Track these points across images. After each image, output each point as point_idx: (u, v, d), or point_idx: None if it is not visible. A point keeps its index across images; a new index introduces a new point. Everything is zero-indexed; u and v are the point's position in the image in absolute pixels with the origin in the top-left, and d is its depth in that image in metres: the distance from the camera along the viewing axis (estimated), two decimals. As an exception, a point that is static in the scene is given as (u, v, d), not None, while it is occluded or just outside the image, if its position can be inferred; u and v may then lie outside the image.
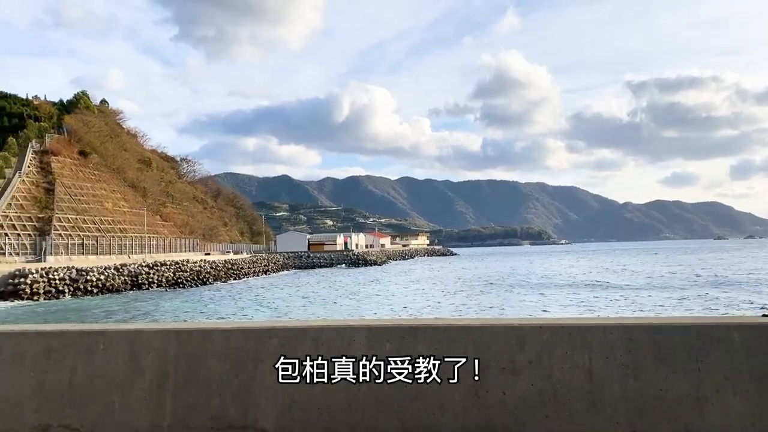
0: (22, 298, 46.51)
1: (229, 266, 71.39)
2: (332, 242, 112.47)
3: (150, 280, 56.95)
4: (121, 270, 56.41)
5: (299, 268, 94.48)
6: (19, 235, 61.98)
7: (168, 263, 62.46)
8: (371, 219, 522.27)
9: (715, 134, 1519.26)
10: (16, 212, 64.75)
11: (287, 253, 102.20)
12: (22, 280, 47.95)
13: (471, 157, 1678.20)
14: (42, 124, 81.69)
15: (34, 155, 75.08)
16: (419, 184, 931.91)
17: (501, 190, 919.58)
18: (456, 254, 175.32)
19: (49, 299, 47.81)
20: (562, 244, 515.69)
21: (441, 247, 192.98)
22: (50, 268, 51.64)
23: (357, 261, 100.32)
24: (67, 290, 50.08)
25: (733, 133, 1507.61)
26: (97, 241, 67.24)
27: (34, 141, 76.95)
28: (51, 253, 61.23)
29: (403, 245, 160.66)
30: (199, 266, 65.59)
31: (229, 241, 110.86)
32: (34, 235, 63.26)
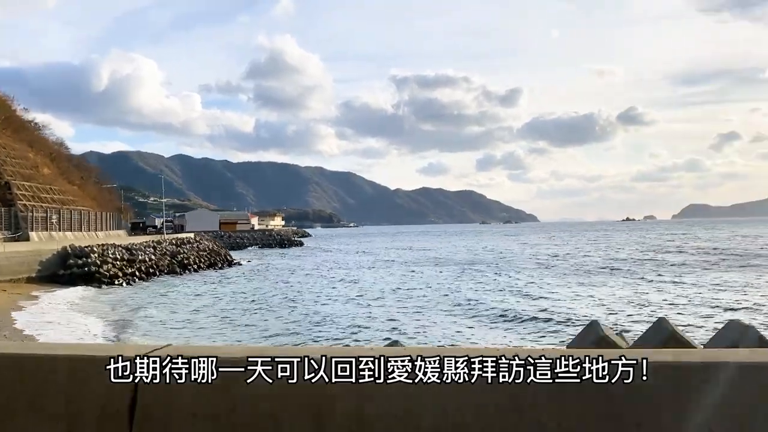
0: (101, 284, 37.11)
1: (218, 244, 63.63)
2: (245, 221, 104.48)
3: (189, 260, 48.74)
4: (159, 249, 47.47)
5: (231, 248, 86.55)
6: (-22, 205, 48.29)
7: (186, 241, 54.01)
8: (152, 198, 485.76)
9: (464, 130, 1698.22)
10: (-37, 176, 50.12)
11: (203, 232, 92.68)
12: (86, 260, 38.23)
13: (243, 137, 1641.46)
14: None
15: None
16: (196, 163, 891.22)
17: (281, 172, 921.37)
18: (311, 235, 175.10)
19: (128, 284, 38.89)
20: (351, 226, 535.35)
21: (297, 228, 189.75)
22: (104, 245, 41.73)
23: (282, 242, 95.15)
24: (137, 273, 41.08)
25: (479, 129, 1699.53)
26: (71, 215, 54.96)
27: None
28: (32, 229, 49.00)
29: (266, 226, 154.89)
30: (209, 245, 57.66)
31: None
32: (-7, 205, 49.74)
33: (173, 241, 51.82)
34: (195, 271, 47.73)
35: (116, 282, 38.07)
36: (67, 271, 37.64)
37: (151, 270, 42.91)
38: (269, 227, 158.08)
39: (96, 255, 39.18)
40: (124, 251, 42.69)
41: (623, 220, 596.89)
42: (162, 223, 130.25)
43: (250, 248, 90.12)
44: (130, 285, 38.76)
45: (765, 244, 74.44)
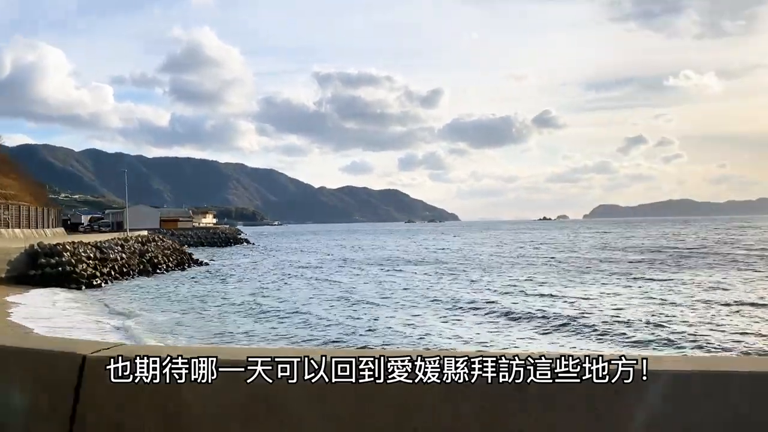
0: (80, 285, 34.24)
1: (176, 243, 60.50)
2: (187, 219, 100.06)
3: (158, 260, 45.91)
4: (127, 247, 44.40)
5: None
6: None
7: (151, 239, 50.94)
8: (63, 195, 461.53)
9: (387, 129, 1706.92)
10: None
11: (147, 230, 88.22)
12: (59, 260, 35.21)
13: (159, 132, 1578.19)
14: None
15: None
16: (109, 158, 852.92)
17: (200, 168, 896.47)
18: (243, 232, 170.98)
19: (105, 284, 36.11)
20: (275, 225, 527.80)
21: (228, 226, 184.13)
22: (74, 243, 38.55)
23: (228, 240, 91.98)
24: (112, 273, 38.24)
25: (402, 129, 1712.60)
26: (18, 211, 50.61)
27: None
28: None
29: (198, 223, 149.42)
30: (170, 243, 54.67)
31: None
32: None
33: (139, 239, 48.74)
34: (166, 271, 45.07)
35: (95, 282, 35.26)
36: (38, 271, 34.49)
37: (124, 270, 40.12)
38: (201, 225, 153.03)
39: (69, 254, 36.14)
40: (95, 250, 39.66)
41: (540, 219, 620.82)
42: (90, 220, 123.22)
43: (197, 247, 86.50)
44: (110, 286, 36.08)
45: (702, 243, 78.75)
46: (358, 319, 23.82)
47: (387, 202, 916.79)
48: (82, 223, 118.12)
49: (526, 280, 36.79)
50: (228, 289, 35.54)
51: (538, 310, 24.75)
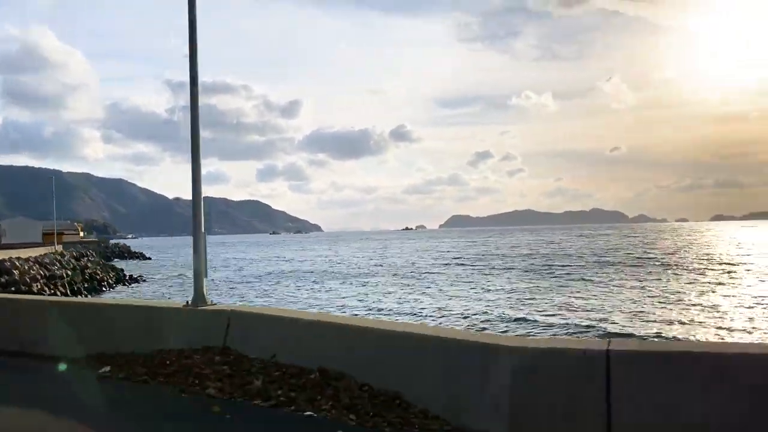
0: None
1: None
2: (73, 232, 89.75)
3: (99, 276, 40.65)
4: (65, 263, 38.86)
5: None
6: None
7: (85, 253, 45.17)
8: None
9: (245, 139, 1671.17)
10: None
11: (24, 244, 78.13)
12: (9, 278, 30.10)
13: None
14: None
15: None
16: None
17: (39, 178, 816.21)
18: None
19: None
20: (129, 238, 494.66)
21: (103, 237, 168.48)
22: (17, 259, 33.03)
23: (122, 254, 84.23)
24: (67, 292, 33.20)
25: (261, 139, 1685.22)
26: None
27: None
28: None
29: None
30: (98, 259, 48.81)
31: None
32: None
33: (73, 254, 43.06)
34: (110, 288, 40.10)
35: (58, 304, 30.43)
36: (-13, 291, 29.15)
37: (74, 288, 35.12)
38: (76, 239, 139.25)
39: (18, 271, 30.95)
40: (40, 266, 34.36)
41: (403, 229, 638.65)
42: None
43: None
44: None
45: (611, 249, 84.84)
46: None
47: (248, 213, 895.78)
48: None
49: (527, 289, 36.77)
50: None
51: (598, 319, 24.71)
